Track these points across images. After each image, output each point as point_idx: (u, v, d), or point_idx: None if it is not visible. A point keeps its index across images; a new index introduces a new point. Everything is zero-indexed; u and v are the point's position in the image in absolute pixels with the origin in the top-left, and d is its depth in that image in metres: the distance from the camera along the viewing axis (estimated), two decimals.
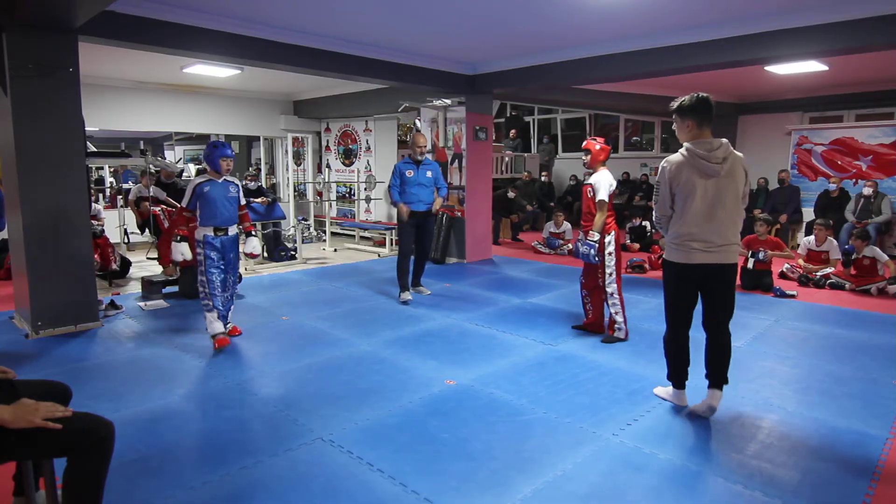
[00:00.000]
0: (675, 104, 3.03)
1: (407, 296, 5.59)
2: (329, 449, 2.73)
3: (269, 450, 2.72)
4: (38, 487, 2.04)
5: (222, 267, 4.25)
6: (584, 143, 4.42)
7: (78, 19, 4.14)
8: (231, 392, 3.41)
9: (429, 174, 5.65)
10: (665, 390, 3.33)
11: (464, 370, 3.77)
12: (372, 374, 3.72)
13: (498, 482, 2.45)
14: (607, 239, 4.26)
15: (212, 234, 4.15)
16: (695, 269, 3.00)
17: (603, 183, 4.23)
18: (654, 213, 3.14)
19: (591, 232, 4.25)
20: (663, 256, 3.17)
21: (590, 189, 4.32)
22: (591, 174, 4.37)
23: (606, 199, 4.22)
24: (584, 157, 4.40)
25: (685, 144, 2.98)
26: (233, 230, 4.30)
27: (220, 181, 4.22)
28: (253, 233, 4.53)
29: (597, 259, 4.25)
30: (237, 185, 4.35)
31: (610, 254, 4.26)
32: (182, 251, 4.22)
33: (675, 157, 2.98)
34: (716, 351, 3.11)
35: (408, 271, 5.69)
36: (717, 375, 3.10)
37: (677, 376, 3.22)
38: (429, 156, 5.69)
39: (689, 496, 2.37)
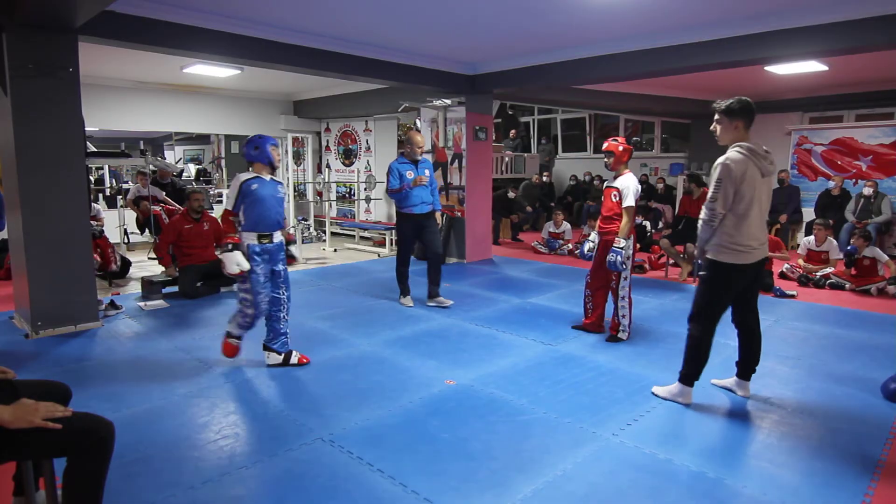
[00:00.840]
0: (722, 105, 3.04)
1: (408, 301, 5.46)
2: (329, 449, 2.73)
3: (269, 450, 2.72)
4: (38, 487, 2.04)
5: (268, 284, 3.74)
6: (606, 145, 4.32)
7: (78, 19, 4.14)
8: (231, 392, 3.41)
9: (427, 173, 5.44)
10: (667, 389, 3.32)
11: (464, 370, 3.77)
12: (372, 374, 3.72)
13: (498, 482, 2.45)
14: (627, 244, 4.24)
15: (255, 241, 3.62)
16: (752, 268, 3.06)
17: (632, 188, 4.21)
18: (706, 211, 3.03)
19: (618, 239, 4.17)
20: (712, 258, 3.08)
21: (615, 193, 4.26)
22: (615, 176, 4.31)
23: (634, 205, 4.22)
24: (606, 160, 4.32)
25: (742, 144, 2.98)
26: (278, 236, 3.76)
27: (268, 179, 3.66)
28: (293, 241, 4.05)
29: (624, 266, 4.19)
30: (283, 185, 3.85)
31: (628, 258, 4.24)
32: (238, 261, 3.50)
33: (737, 155, 2.95)
34: (756, 342, 3.26)
35: (407, 276, 5.53)
36: (753, 367, 3.30)
37: (695, 374, 3.21)
38: (426, 155, 5.54)
39: (689, 496, 2.37)
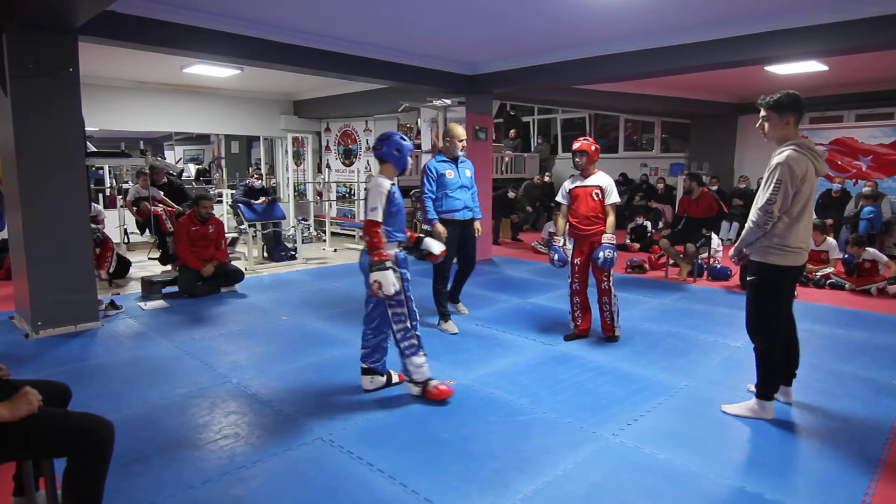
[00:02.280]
0: (769, 99, 2.86)
1: (452, 328, 4.63)
2: (329, 449, 2.73)
3: (269, 450, 2.72)
4: (38, 487, 2.04)
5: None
6: (579, 145, 4.26)
7: (78, 19, 4.14)
8: (231, 392, 3.41)
9: (468, 173, 4.74)
10: (744, 407, 3.10)
11: (464, 370, 3.77)
12: None
13: (498, 482, 2.45)
14: None
15: (398, 249, 3.25)
16: (799, 270, 2.97)
17: (614, 185, 4.27)
18: (761, 214, 2.82)
19: (607, 234, 4.18)
20: (759, 261, 2.92)
21: (596, 191, 4.24)
22: (586, 176, 4.29)
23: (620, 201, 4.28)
24: (578, 160, 4.27)
25: (799, 141, 2.82)
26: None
27: (396, 183, 3.30)
28: (421, 234, 3.59)
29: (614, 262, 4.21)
30: None
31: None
32: (394, 281, 3.07)
33: (794, 153, 2.77)
34: (794, 346, 3.18)
35: (447, 296, 4.83)
36: (794, 372, 3.22)
37: (775, 388, 3.06)
38: (462, 152, 4.75)
39: (688, 496, 2.37)
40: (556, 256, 4.40)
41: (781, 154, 2.81)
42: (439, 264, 4.58)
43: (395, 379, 3.51)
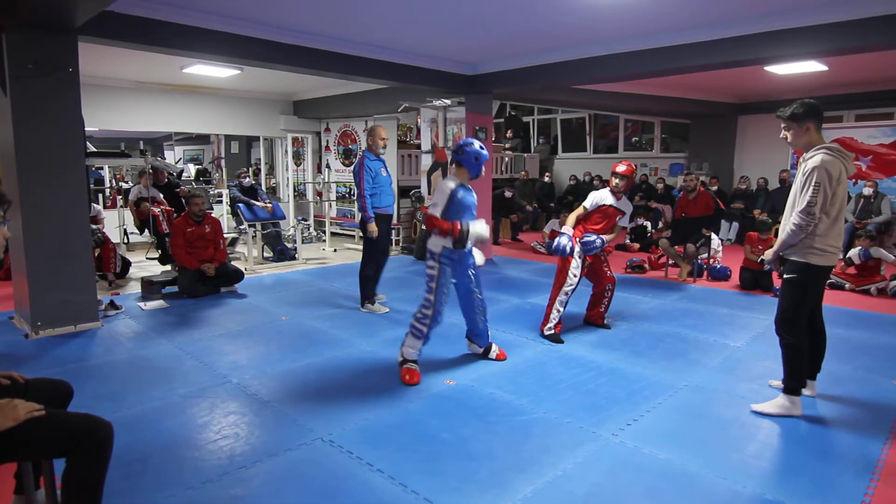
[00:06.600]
0: (786, 112, 3.01)
1: (380, 308, 5.22)
2: (329, 449, 2.73)
3: (269, 450, 2.72)
4: (38, 486, 2.04)
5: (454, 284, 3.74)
6: (625, 169, 4.44)
7: (78, 19, 4.14)
8: (231, 392, 3.41)
9: (386, 172, 5.15)
10: (775, 405, 3.12)
11: (464, 370, 3.77)
12: (372, 374, 3.71)
13: (498, 482, 2.45)
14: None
15: (450, 246, 3.56)
16: (831, 269, 3.10)
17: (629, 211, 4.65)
18: (803, 217, 2.90)
19: (606, 235, 4.49)
20: (801, 260, 2.99)
21: (620, 216, 4.52)
22: (619, 198, 4.49)
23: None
24: (619, 181, 4.42)
25: (829, 145, 2.91)
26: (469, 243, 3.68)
27: (467, 186, 3.69)
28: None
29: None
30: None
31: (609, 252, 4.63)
32: (484, 227, 3.58)
33: (828, 157, 2.88)
34: (823, 341, 3.34)
35: (373, 285, 5.30)
36: (819, 365, 3.37)
37: (803, 383, 3.13)
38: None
39: (689, 496, 2.37)
40: (567, 243, 4.30)
41: (815, 158, 2.91)
42: (378, 252, 5.14)
43: (493, 355, 3.98)
